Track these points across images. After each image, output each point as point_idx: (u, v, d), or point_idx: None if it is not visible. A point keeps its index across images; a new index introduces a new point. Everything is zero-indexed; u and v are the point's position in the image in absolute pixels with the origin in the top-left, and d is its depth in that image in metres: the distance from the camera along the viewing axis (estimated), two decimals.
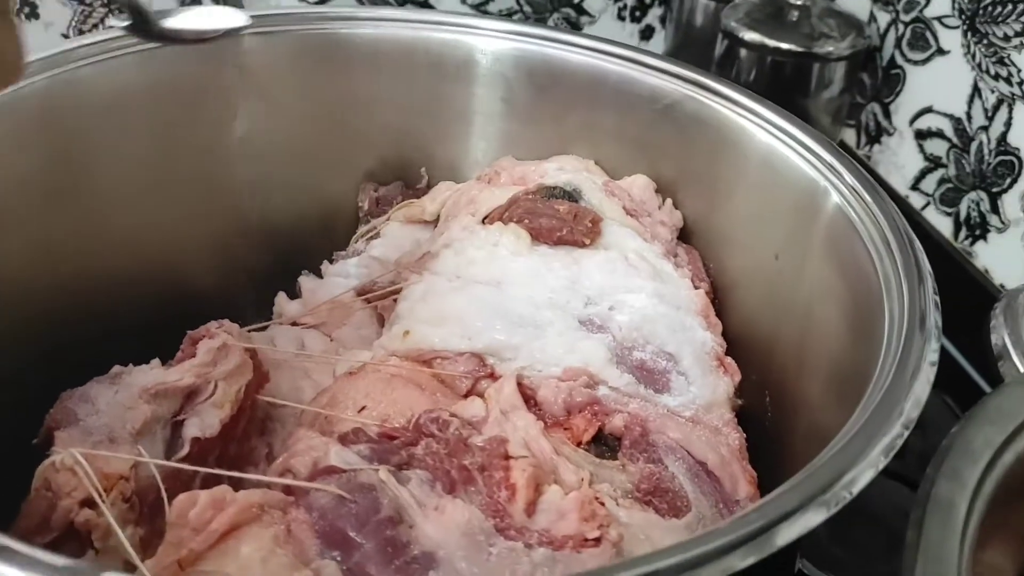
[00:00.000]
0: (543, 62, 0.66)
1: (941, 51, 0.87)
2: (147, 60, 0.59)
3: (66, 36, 0.89)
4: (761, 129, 0.56)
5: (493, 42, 0.66)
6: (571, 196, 0.62)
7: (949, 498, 0.35)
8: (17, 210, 0.56)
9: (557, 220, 0.59)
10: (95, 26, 0.89)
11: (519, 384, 0.53)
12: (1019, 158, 0.80)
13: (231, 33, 0.52)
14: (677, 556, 0.32)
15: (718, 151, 0.60)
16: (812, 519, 0.35)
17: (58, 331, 0.59)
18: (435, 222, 0.68)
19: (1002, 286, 0.82)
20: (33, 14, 0.85)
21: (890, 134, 0.96)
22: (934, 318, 0.42)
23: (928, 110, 0.90)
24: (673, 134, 0.63)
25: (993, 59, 0.81)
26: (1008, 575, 0.49)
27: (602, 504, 0.46)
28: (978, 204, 0.85)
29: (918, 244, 0.45)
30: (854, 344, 0.47)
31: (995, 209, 0.83)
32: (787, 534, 0.34)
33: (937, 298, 0.42)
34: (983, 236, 0.85)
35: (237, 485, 0.44)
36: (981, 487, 0.36)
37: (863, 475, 0.37)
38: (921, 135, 0.91)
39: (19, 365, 0.56)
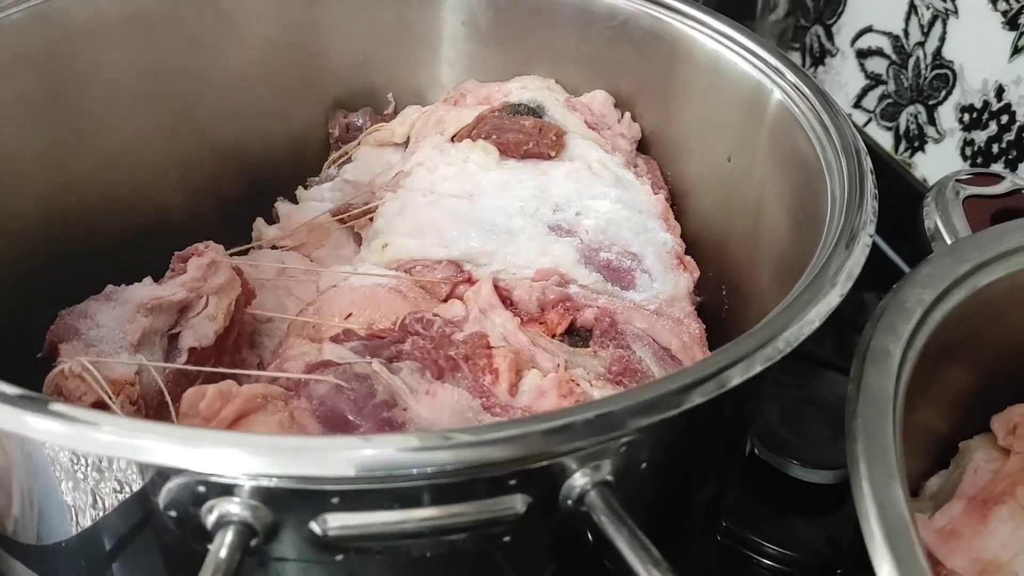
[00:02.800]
0: None
1: None
2: None
3: None
4: (708, 38, 0.60)
5: None
6: (535, 112, 0.65)
7: (885, 347, 0.40)
8: (5, 128, 0.58)
9: (523, 135, 0.63)
10: None
11: (495, 286, 0.57)
12: (953, 71, 0.84)
13: None
14: (643, 395, 0.35)
15: (671, 63, 0.63)
16: (756, 366, 0.38)
17: (35, 249, 0.61)
18: (405, 144, 0.71)
19: None
20: None
21: (833, 55, 1.00)
22: (871, 202, 0.46)
23: (868, 29, 0.94)
24: (629, 50, 0.66)
25: None
26: (940, 435, 0.54)
27: (577, 385, 0.50)
28: (916, 117, 0.90)
29: (856, 134, 0.49)
30: (799, 231, 0.51)
31: (932, 121, 0.88)
32: (737, 377, 0.37)
33: (874, 178, 0.46)
34: (921, 147, 0.90)
35: None
36: (913, 340, 0.41)
37: (800, 333, 0.39)
38: (862, 54, 0.96)
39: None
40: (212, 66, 0.68)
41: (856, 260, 0.41)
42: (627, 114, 0.68)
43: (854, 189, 0.45)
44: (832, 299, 0.40)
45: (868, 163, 0.46)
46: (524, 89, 0.68)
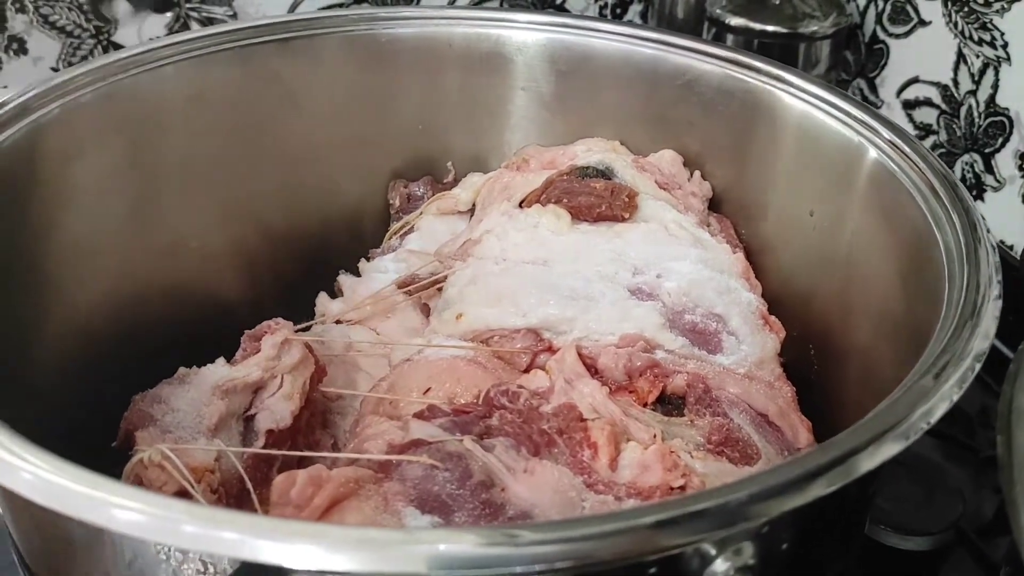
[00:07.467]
0: (565, 49, 0.68)
1: (923, 22, 0.91)
2: (185, 70, 0.60)
3: (55, 70, 0.88)
4: (790, 96, 0.58)
5: (518, 33, 0.68)
6: (604, 174, 0.64)
7: None
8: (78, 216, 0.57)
9: (595, 197, 0.61)
10: (84, 58, 0.89)
11: (578, 354, 0.54)
12: (1009, 118, 0.83)
13: None
14: (771, 480, 0.33)
15: (746, 120, 0.62)
16: (891, 449, 0.36)
17: (96, 337, 0.59)
18: (468, 212, 0.70)
19: (1002, 242, 0.85)
20: (22, 50, 0.85)
21: (878, 107, 0.99)
22: (991, 257, 0.43)
23: (915, 80, 0.93)
24: (697, 108, 0.65)
25: (975, 25, 0.84)
26: None
27: (679, 457, 0.48)
28: (972, 166, 0.88)
29: (963, 188, 0.47)
30: (906, 286, 0.49)
31: (989, 169, 0.86)
32: (868, 463, 0.35)
33: (987, 225, 0.44)
34: (980, 196, 0.88)
35: None
36: None
37: (939, 406, 0.37)
38: (909, 105, 0.95)
39: (66, 374, 0.56)
40: (271, 145, 0.68)
41: (990, 318, 0.39)
42: (697, 172, 0.67)
43: (969, 241, 0.43)
44: (968, 363, 0.38)
45: (978, 213, 0.44)
46: (590, 151, 0.67)
